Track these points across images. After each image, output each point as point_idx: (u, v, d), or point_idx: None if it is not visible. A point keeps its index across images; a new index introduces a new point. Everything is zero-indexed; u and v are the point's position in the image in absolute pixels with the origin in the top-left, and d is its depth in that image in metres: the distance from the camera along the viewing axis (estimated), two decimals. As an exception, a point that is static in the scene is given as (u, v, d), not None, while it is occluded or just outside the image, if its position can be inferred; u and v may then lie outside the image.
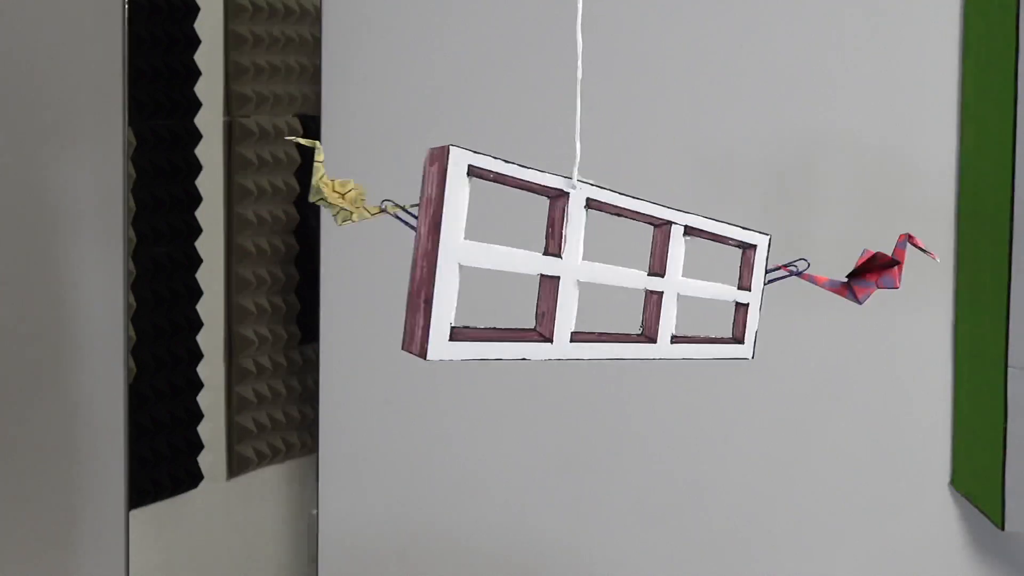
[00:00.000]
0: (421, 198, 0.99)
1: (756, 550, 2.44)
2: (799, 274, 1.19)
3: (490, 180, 0.99)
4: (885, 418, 2.37)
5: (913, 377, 2.36)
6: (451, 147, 0.95)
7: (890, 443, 2.37)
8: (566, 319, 1.04)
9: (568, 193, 1.03)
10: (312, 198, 1.04)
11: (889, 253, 1.19)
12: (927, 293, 2.34)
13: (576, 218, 1.03)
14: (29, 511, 2.27)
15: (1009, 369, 2.17)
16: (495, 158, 0.98)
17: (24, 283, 2.24)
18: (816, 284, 1.20)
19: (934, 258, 1.18)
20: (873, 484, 2.38)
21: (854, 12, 2.33)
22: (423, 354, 0.95)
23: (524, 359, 1.02)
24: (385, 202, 1.04)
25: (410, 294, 0.98)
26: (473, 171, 0.97)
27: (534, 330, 1.04)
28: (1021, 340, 2.16)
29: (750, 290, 1.20)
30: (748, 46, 2.38)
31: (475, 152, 0.97)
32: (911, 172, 2.33)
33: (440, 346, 0.96)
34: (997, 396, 2.20)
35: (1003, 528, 2.23)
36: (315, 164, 1.04)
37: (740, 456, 2.43)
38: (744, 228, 1.17)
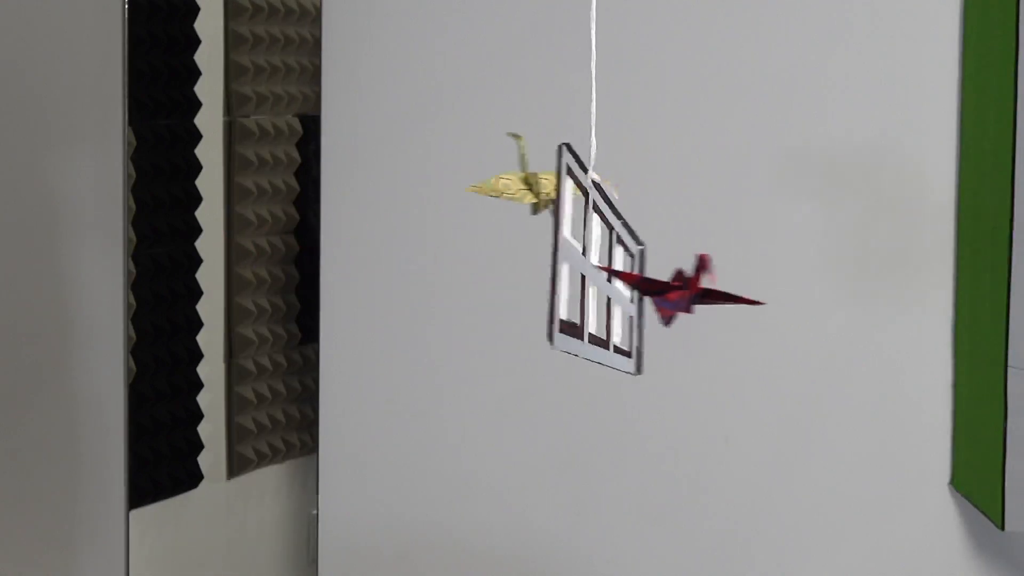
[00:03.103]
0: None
1: (756, 550, 2.44)
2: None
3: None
4: (885, 418, 2.37)
5: (913, 377, 2.36)
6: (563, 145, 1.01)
7: (890, 443, 2.37)
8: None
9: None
10: (521, 197, 1.07)
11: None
12: (927, 293, 2.34)
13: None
14: (29, 511, 2.27)
15: (1009, 369, 2.17)
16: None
17: (25, 283, 2.24)
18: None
19: (714, 280, 1.06)
20: (873, 484, 2.38)
21: (854, 12, 2.33)
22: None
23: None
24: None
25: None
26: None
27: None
28: (1021, 340, 2.16)
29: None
30: (749, 47, 2.37)
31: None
32: (911, 172, 2.33)
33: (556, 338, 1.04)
34: (997, 396, 2.20)
35: (1003, 528, 2.22)
36: (524, 157, 1.05)
37: (740, 456, 2.43)
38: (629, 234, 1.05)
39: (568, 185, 1.02)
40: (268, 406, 2.83)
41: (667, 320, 1.01)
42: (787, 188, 2.38)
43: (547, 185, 1.07)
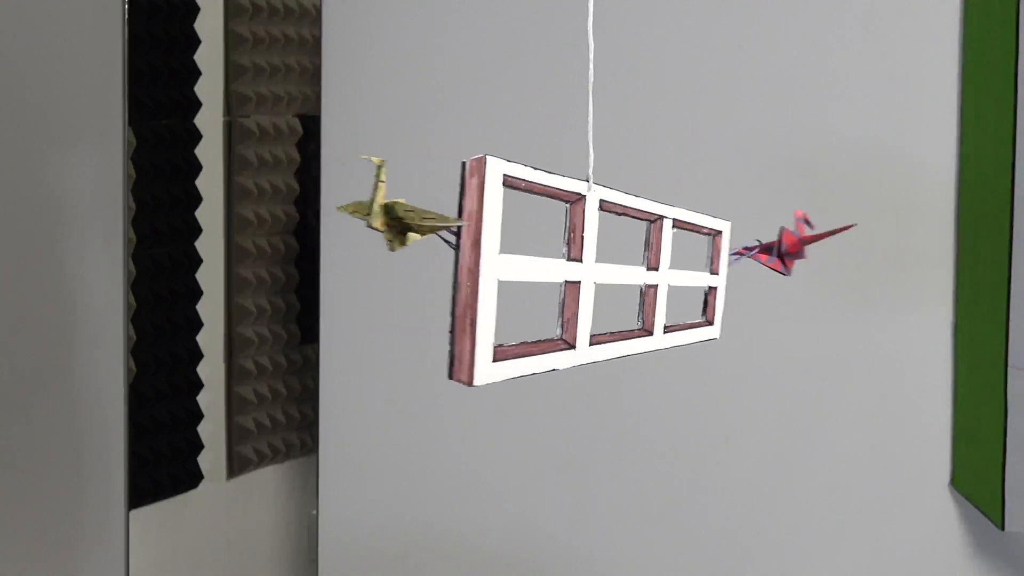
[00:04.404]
0: (461, 213, 0.92)
1: (756, 550, 2.44)
2: (752, 254, 1.29)
3: (521, 189, 0.95)
4: (885, 418, 2.37)
5: (913, 377, 2.36)
6: (488, 157, 0.90)
7: (890, 443, 2.37)
8: (586, 323, 1.02)
9: (584, 197, 1.01)
10: (373, 222, 0.93)
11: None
12: (927, 293, 2.34)
13: (593, 221, 1.02)
14: (29, 511, 2.27)
15: (1009, 369, 2.17)
16: (526, 166, 0.94)
17: (24, 283, 2.24)
18: (760, 263, 1.31)
19: (813, 227, 1.32)
20: (873, 484, 2.38)
21: (854, 12, 2.33)
22: (471, 381, 0.90)
23: (554, 370, 0.99)
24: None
25: (455, 316, 0.91)
26: (507, 181, 0.93)
27: (561, 339, 1.00)
28: (1021, 340, 2.16)
29: (718, 274, 1.25)
30: (749, 47, 2.37)
31: (509, 161, 0.92)
32: (911, 172, 2.33)
33: (485, 369, 0.91)
34: (997, 396, 2.20)
35: (1003, 528, 2.23)
36: (379, 184, 0.93)
37: (740, 456, 2.43)
38: (712, 216, 1.22)
39: (495, 201, 0.92)
40: (268, 406, 2.83)
41: (790, 271, 1.30)
42: (786, 188, 2.38)
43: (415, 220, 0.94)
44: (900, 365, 2.36)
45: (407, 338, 2.58)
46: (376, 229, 0.92)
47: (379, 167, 0.92)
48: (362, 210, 0.93)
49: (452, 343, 0.91)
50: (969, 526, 2.36)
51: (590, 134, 1.02)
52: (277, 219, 2.80)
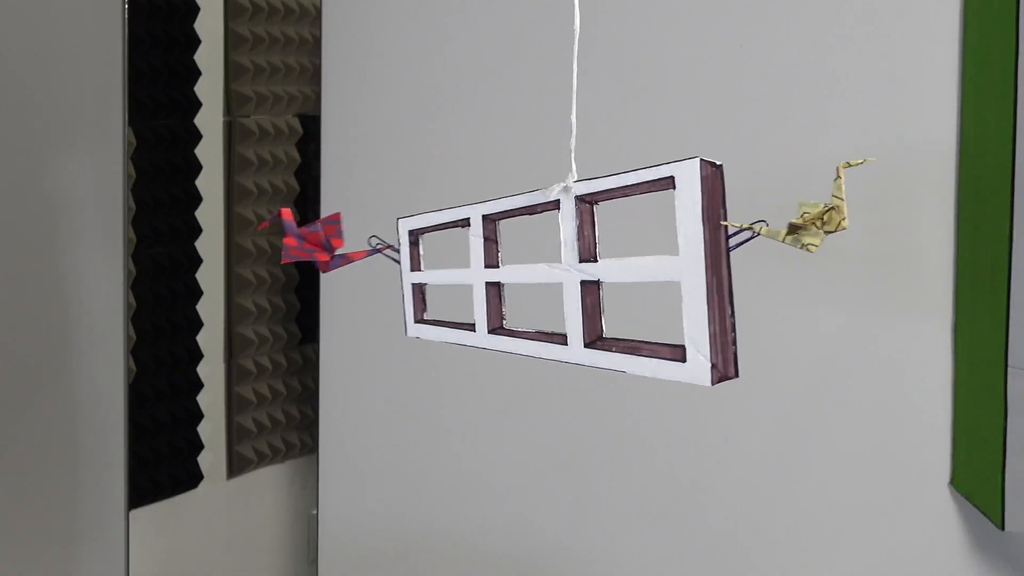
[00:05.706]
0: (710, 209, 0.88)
1: (756, 550, 2.44)
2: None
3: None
4: (885, 418, 2.37)
5: (913, 377, 2.36)
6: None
7: (890, 443, 2.37)
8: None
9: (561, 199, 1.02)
10: (845, 223, 0.88)
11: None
12: (927, 293, 2.34)
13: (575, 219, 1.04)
14: (29, 511, 2.27)
15: (1009, 369, 2.17)
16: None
17: (24, 283, 2.24)
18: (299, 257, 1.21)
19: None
20: (873, 484, 2.38)
21: (854, 11, 2.33)
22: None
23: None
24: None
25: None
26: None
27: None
28: (1021, 340, 2.16)
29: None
30: (748, 45, 2.38)
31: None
32: (911, 172, 2.33)
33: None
34: (997, 396, 2.20)
35: (1003, 528, 2.22)
36: (841, 184, 0.86)
37: (740, 456, 2.43)
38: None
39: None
40: (268, 406, 2.83)
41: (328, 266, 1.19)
42: (786, 188, 2.38)
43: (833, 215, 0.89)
44: (900, 365, 2.36)
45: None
46: (840, 230, 0.89)
47: (840, 170, 0.88)
48: (828, 213, 0.89)
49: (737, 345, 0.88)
50: (969, 526, 2.36)
51: (573, 140, 1.03)
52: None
